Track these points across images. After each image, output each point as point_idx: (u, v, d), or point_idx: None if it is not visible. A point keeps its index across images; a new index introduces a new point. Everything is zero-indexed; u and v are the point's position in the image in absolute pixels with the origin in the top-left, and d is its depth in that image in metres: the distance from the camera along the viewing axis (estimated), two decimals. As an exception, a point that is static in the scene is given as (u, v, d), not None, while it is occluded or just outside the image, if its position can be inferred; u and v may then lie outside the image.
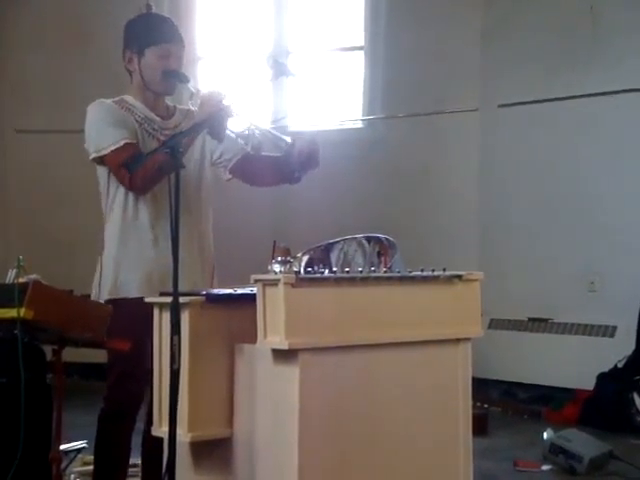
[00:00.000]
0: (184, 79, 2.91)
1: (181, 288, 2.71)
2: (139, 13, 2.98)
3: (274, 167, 2.95)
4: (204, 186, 3.00)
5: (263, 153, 2.94)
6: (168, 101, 3.05)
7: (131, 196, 2.85)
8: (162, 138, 2.86)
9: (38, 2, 7.31)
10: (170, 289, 2.34)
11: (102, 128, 2.83)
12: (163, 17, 3.02)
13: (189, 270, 2.85)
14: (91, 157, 2.86)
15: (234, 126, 2.78)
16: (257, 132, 2.78)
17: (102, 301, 2.83)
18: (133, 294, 2.77)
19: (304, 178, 2.91)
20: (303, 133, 2.87)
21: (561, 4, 6.25)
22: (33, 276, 2.66)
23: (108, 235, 2.90)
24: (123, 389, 2.84)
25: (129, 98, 2.94)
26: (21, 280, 2.61)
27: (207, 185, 3.02)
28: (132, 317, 2.61)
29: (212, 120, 2.68)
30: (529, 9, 6.38)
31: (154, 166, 2.63)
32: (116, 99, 2.93)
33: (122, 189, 2.85)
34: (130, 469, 3.01)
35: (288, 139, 2.80)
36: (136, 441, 2.95)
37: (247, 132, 2.78)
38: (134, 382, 2.80)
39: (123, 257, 2.85)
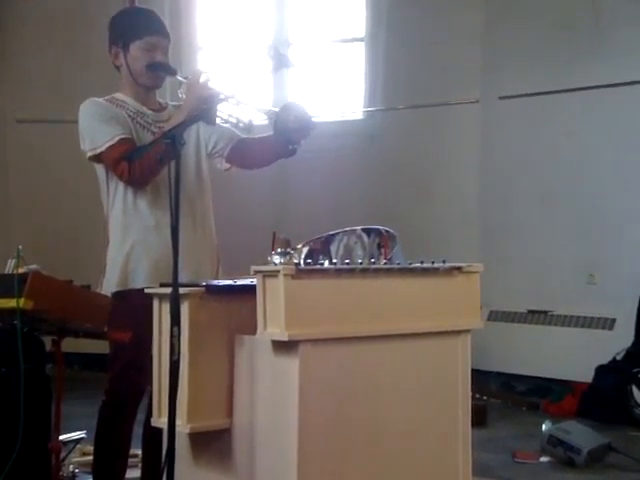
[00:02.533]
0: (170, 71, 2.91)
1: (187, 277, 2.74)
2: (123, 8, 2.97)
3: (269, 145, 2.95)
4: (203, 177, 3.01)
5: (256, 135, 2.95)
6: (160, 98, 3.05)
7: (131, 188, 2.85)
8: (155, 130, 2.87)
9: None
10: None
11: (95, 126, 2.83)
12: (147, 10, 3.02)
13: (194, 259, 2.87)
14: (88, 156, 2.86)
15: (223, 109, 2.78)
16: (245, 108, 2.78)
17: (110, 293, 2.83)
18: (141, 284, 2.76)
19: (299, 150, 2.89)
20: (292, 104, 2.84)
21: (562, -4, 6.25)
22: (33, 266, 2.66)
23: (112, 230, 2.91)
24: (126, 381, 2.84)
25: (119, 95, 2.96)
26: (21, 270, 2.62)
27: (206, 176, 3.03)
28: (141, 308, 2.60)
29: (202, 103, 2.69)
30: (530, 1, 6.37)
31: (155, 157, 2.63)
32: (107, 97, 2.94)
33: (121, 183, 2.85)
34: (130, 459, 3.02)
35: (275, 109, 2.80)
36: (137, 431, 2.95)
37: (235, 116, 2.78)
38: (138, 373, 2.80)
39: (128, 247, 2.85)
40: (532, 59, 6.29)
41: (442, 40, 6.65)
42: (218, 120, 2.77)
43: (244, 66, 7.27)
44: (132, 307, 2.74)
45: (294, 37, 7.39)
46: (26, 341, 2.78)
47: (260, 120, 2.89)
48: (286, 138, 2.82)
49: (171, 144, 2.40)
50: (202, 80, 2.75)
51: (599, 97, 5.98)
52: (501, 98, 6.46)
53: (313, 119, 2.82)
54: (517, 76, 6.35)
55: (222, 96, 2.73)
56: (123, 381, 2.85)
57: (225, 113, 2.79)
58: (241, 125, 2.80)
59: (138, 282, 2.81)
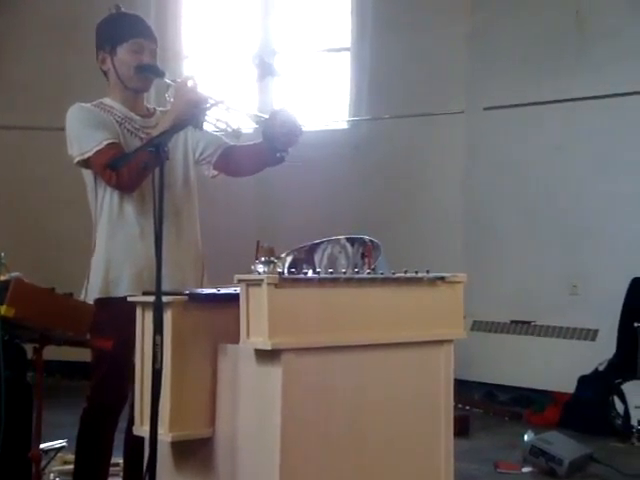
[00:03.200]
0: (159, 73, 2.90)
1: (171, 286, 2.73)
2: (109, 14, 2.97)
3: (256, 152, 2.94)
4: (190, 184, 3.00)
5: (243, 143, 2.96)
6: (148, 103, 3.05)
7: (117, 195, 2.84)
8: (143, 136, 2.86)
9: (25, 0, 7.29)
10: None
11: (83, 131, 2.82)
12: (132, 14, 3.01)
13: (179, 268, 2.86)
14: (75, 161, 2.84)
15: (211, 115, 2.77)
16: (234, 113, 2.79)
17: (92, 300, 2.82)
18: (123, 292, 2.75)
19: (287, 158, 2.89)
20: (281, 110, 2.84)
21: (547, 8, 6.29)
22: (15, 273, 2.64)
23: (98, 236, 2.89)
24: (108, 388, 2.82)
25: (107, 100, 2.94)
26: (3, 277, 2.60)
27: (193, 183, 3.02)
28: (122, 316, 2.59)
29: (191, 107, 2.69)
30: (515, 12, 6.41)
31: (139, 164, 2.62)
32: (94, 103, 2.92)
33: (109, 189, 2.84)
34: (112, 468, 2.99)
35: (264, 115, 2.80)
36: (119, 440, 2.93)
37: (224, 121, 2.78)
38: (120, 382, 2.79)
39: (112, 254, 2.84)
40: (517, 70, 6.33)
41: (427, 51, 6.68)
42: (206, 125, 2.77)
43: (230, 75, 7.29)
44: (115, 315, 2.72)
45: (279, 46, 7.40)
46: (7, 349, 2.75)
47: (249, 126, 2.88)
48: (274, 146, 2.82)
49: (155, 152, 2.39)
50: (190, 84, 2.75)
51: (584, 109, 6.03)
52: (486, 109, 6.49)
53: (301, 126, 2.82)
54: (502, 87, 6.39)
55: (211, 101, 2.73)
56: (105, 389, 2.83)
57: (213, 118, 2.78)
58: (229, 130, 2.80)
59: (121, 290, 2.79)
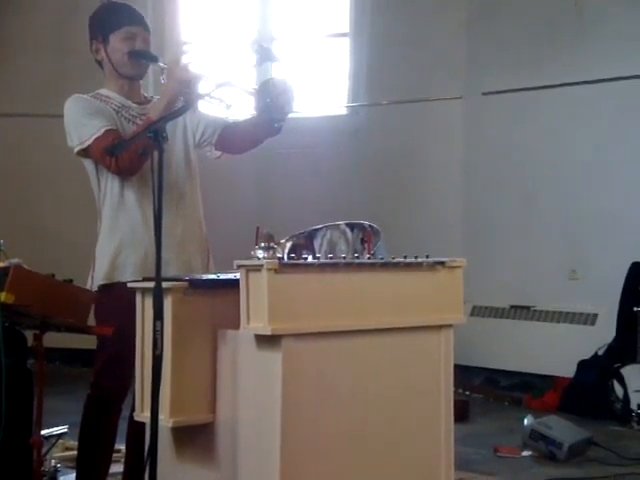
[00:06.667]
0: (151, 58, 2.92)
1: (177, 268, 2.72)
2: (100, 4, 2.98)
3: (254, 126, 2.95)
4: (192, 167, 3.01)
5: (241, 118, 2.96)
6: (145, 93, 3.05)
7: (118, 182, 2.85)
8: (141, 123, 2.86)
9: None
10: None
11: (81, 121, 2.83)
12: (123, 3, 3.04)
13: (183, 250, 2.88)
14: (76, 151, 2.85)
15: (204, 88, 2.77)
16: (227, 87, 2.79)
17: (97, 286, 2.83)
18: (128, 278, 2.76)
19: (283, 146, 2.89)
20: (272, 80, 2.85)
21: (545, -8, 6.27)
22: (15, 260, 2.64)
23: (102, 223, 2.91)
24: (110, 374, 2.84)
25: (103, 91, 2.96)
26: (2, 264, 2.60)
27: (195, 166, 3.02)
28: (127, 301, 2.60)
29: (184, 86, 2.70)
30: (514, -3, 6.40)
31: (138, 149, 2.62)
32: (91, 94, 2.94)
33: (111, 177, 2.85)
34: (114, 454, 3.00)
35: (255, 86, 2.81)
36: (121, 427, 2.94)
37: (218, 97, 2.78)
38: (123, 368, 2.78)
39: (116, 240, 2.85)
40: (515, 55, 6.31)
41: (426, 36, 6.66)
42: (201, 102, 2.77)
43: (228, 60, 7.26)
44: (118, 301, 2.72)
45: (278, 32, 7.38)
46: (7, 335, 2.76)
47: (244, 102, 2.89)
48: (270, 116, 2.82)
49: (153, 138, 2.39)
50: (182, 63, 2.75)
51: (582, 93, 6.01)
52: (484, 94, 6.48)
53: (294, 91, 2.80)
54: (500, 72, 6.37)
55: (204, 78, 2.73)
56: (107, 375, 2.85)
57: (208, 94, 2.78)
58: (224, 105, 2.80)
59: (125, 276, 2.80)
